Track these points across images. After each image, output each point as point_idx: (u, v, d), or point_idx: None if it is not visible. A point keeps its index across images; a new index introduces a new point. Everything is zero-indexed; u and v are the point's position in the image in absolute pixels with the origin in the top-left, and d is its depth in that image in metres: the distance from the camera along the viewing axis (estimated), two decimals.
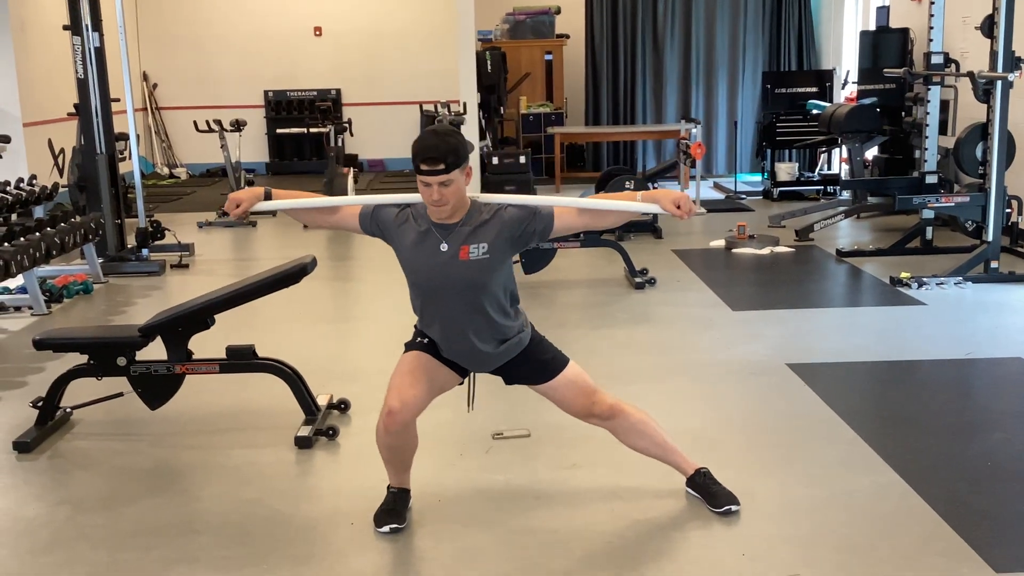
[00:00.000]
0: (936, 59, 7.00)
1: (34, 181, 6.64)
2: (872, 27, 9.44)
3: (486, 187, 9.89)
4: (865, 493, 3.24)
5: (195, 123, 10.07)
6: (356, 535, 3.05)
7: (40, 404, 3.93)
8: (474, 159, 9.73)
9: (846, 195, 9.18)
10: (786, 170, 10.09)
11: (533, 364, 3.05)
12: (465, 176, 2.85)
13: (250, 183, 9.67)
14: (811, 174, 10.55)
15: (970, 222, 7.15)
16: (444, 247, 2.90)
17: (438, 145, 2.79)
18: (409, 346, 3.07)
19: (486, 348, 2.99)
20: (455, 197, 2.83)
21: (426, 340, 3.04)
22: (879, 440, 3.66)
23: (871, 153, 9.09)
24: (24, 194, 6.33)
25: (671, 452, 3.21)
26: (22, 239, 5.70)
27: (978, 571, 2.73)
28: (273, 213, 3.02)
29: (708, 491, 3.15)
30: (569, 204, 2.97)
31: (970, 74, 6.29)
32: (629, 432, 3.16)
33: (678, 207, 2.79)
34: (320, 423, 3.88)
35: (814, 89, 10.40)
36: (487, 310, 2.94)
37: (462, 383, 3.11)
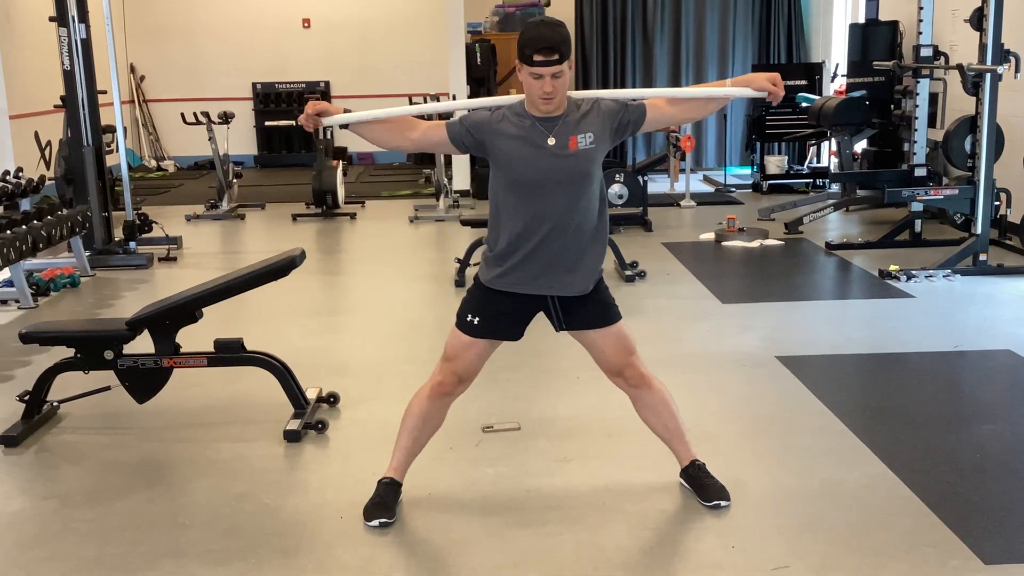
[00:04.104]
0: (925, 52, 7.01)
1: (20, 174, 6.58)
2: (862, 20, 9.44)
3: (476, 180, 9.88)
4: (855, 485, 3.25)
5: (183, 115, 10.01)
6: (345, 529, 3.04)
7: (27, 398, 3.91)
8: None
9: (835, 188, 9.20)
10: (775, 163, 10.10)
11: (598, 304, 3.03)
12: (570, 69, 2.82)
13: (238, 176, 9.63)
14: (800, 167, 10.56)
15: (959, 215, 7.17)
16: (552, 140, 2.85)
17: (551, 36, 2.74)
18: (475, 314, 2.97)
19: (581, 255, 2.93)
20: (564, 89, 2.82)
21: (500, 316, 2.97)
22: (869, 432, 3.67)
23: (860, 146, 9.10)
24: (10, 187, 6.27)
25: (677, 439, 3.21)
26: (8, 232, 5.66)
27: (967, 562, 2.74)
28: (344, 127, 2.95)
29: (700, 484, 3.15)
30: (659, 94, 3.05)
31: (959, 67, 6.30)
32: (646, 407, 3.16)
33: (774, 84, 2.89)
34: (309, 417, 3.86)
35: (804, 82, 10.41)
36: (591, 205, 2.90)
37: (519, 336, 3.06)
